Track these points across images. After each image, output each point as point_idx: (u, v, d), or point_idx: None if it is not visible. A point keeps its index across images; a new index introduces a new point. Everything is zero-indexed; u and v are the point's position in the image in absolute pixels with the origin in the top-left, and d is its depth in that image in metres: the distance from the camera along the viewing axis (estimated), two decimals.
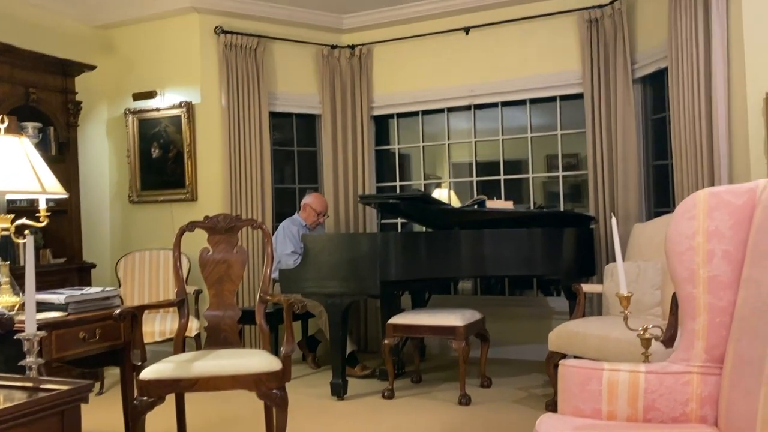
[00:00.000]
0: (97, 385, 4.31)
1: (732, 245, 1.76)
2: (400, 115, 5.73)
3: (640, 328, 2.22)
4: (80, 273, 4.67)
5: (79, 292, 2.86)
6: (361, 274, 3.92)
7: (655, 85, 4.63)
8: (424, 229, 5.13)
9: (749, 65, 3.47)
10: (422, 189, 5.63)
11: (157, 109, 5.26)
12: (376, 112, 5.65)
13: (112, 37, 5.45)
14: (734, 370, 1.66)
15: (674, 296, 2.67)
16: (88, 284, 4.66)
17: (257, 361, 2.65)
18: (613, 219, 2.31)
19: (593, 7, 4.72)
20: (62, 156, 4.66)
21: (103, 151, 5.48)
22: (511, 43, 5.15)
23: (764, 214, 1.66)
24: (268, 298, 3.03)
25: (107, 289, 3.01)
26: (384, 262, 3.89)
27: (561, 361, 1.92)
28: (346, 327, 4.14)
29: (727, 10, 3.59)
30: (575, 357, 3.36)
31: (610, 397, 1.78)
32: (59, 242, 4.65)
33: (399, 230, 5.67)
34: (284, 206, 5.62)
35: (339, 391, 4.01)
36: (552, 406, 3.58)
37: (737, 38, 3.54)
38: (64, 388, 1.54)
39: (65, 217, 4.63)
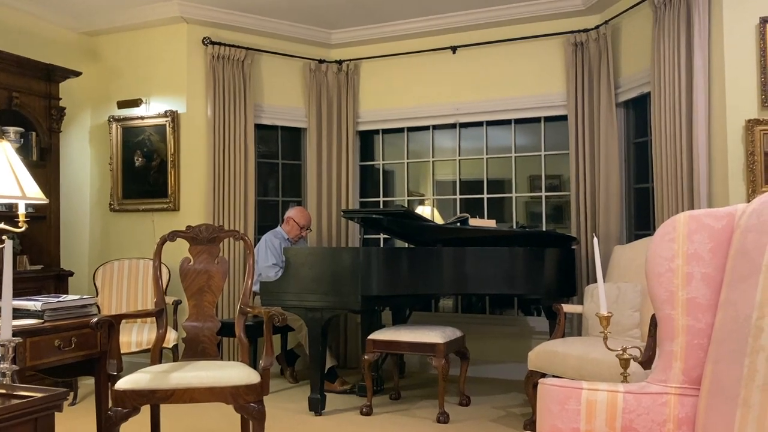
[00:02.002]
0: (71, 395, 4.23)
1: (711, 268, 1.78)
2: (385, 131, 5.76)
3: (620, 349, 2.24)
4: (57, 280, 4.60)
5: (56, 300, 2.82)
6: (342, 288, 3.91)
7: (638, 110, 4.70)
8: (406, 245, 5.14)
9: (730, 93, 3.55)
10: (405, 205, 5.65)
11: (142, 118, 5.23)
12: (362, 128, 5.67)
13: (98, 44, 5.42)
14: (711, 391, 1.68)
15: (653, 318, 2.69)
16: (65, 292, 4.59)
17: (235, 373, 2.62)
18: (595, 240, 2.33)
19: (579, 31, 4.80)
20: (43, 161, 4.61)
21: (86, 158, 5.43)
22: (497, 64, 5.21)
23: (743, 238, 1.69)
24: (248, 310, 3.01)
25: (84, 297, 2.97)
26: (365, 277, 3.88)
27: (540, 380, 1.92)
28: (326, 342, 4.12)
29: (709, 38, 3.67)
30: (554, 376, 3.37)
31: (588, 416, 1.78)
32: (37, 249, 4.58)
33: (381, 246, 5.67)
34: (267, 219, 5.60)
35: (317, 406, 3.97)
36: (530, 426, 3.58)
37: (718, 66, 3.61)
38: (38, 395, 1.51)
39: (44, 223, 4.57)
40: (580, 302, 4.32)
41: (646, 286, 1.92)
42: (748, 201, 3.34)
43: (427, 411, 4.05)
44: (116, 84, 5.36)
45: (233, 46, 5.18)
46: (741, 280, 1.64)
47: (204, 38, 5.13)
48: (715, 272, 1.77)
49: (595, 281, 3.91)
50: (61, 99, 4.70)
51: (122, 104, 5.30)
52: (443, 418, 3.81)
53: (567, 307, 3.97)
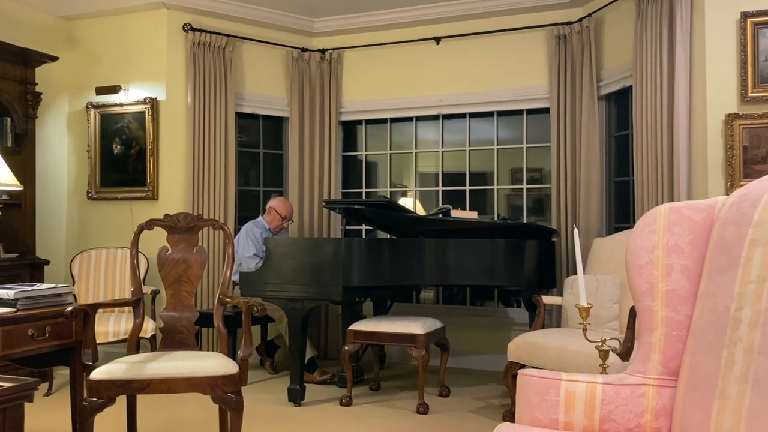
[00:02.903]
0: (46, 385, 4.17)
1: (690, 260, 1.78)
2: (368, 122, 5.73)
3: (599, 340, 2.24)
4: (32, 269, 4.52)
5: (30, 288, 2.77)
6: (323, 279, 3.88)
7: (620, 103, 4.72)
8: (388, 236, 5.12)
9: (710, 87, 3.57)
10: (388, 196, 5.63)
11: (121, 105, 5.14)
12: (345, 118, 5.63)
13: (76, 29, 5.32)
14: (689, 383, 1.68)
15: (632, 310, 2.71)
16: (41, 281, 4.51)
17: (213, 363, 2.59)
18: (575, 231, 2.33)
19: (562, 24, 4.80)
20: (19, 148, 4.52)
21: (63, 145, 5.33)
22: (481, 56, 5.20)
23: (722, 230, 1.69)
24: (227, 300, 2.98)
25: (60, 285, 2.92)
26: (347, 268, 3.86)
27: (520, 371, 1.92)
28: (306, 332, 4.10)
29: (690, 33, 3.69)
30: (534, 368, 3.38)
31: (567, 407, 1.78)
32: (12, 236, 4.49)
33: (363, 237, 5.65)
34: (248, 209, 5.55)
35: (296, 396, 3.96)
36: (509, 417, 3.60)
37: (699, 61, 3.64)
38: (7, 385, 1.48)
39: (19, 210, 4.48)
40: (560, 294, 4.34)
41: (626, 277, 1.92)
42: (727, 194, 3.38)
43: (407, 402, 4.05)
44: (94, 70, 5.26)
45: (214, 33, 5.11)
46: (720, 272, 1.65)
47: (185, 24, 5.05)
48: (694, 264, 1.78)
49: (575, 273, 3.93)
50: (37, 84, 4.61)
51: (101, 90, 5.21)
52: (423, 409, 3.81)
53: (547, 299, 3.99)
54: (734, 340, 1.52)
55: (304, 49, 5.52)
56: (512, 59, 5.11)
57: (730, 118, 3.48)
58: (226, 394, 2.55)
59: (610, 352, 2.26)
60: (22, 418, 1.50)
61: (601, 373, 2.20)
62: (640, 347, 1.86)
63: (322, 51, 5.53)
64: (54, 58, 4.70)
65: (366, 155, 5.80)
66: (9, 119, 4.48)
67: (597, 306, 3.50)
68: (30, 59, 4.53)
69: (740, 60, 3.49)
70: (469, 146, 5.43)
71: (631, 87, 4.25)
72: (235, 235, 4.90)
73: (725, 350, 1.54)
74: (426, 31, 5.32)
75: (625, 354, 2.60)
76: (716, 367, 1.55)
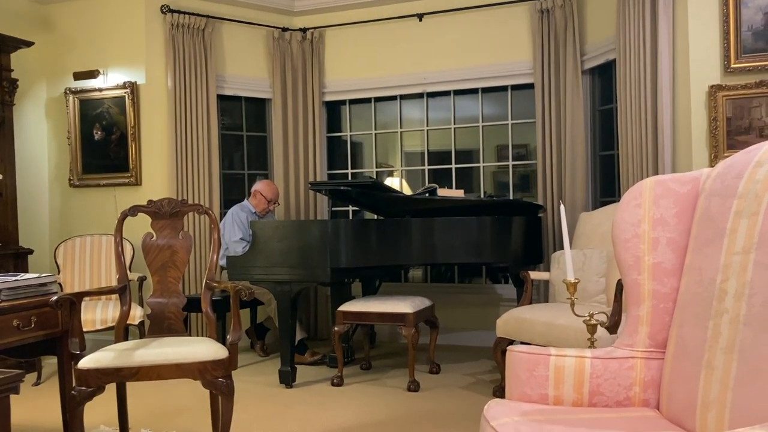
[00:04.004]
0: (35, 375, 4.15)
1: (676, 233, 1.79)
2: (352, 102, 5.68)
3: (587, 315, 2.26)
4: (16, 259, 4.47)
5: (13, 279, 2.73)
6: (311, 261, 3.87)
7: (604, 77, 4.71)
8: (375, 217, 5.11)
9: (693, 59, 3.57)
10: (374, 177, 5.61)
11: (100, 90, 5.06)
12: (328, 98, 5.58)
13: (50, 13, 5.20)
14: (676, 354, 1.70)
15: (618, 283, 2.73)
16: (25, 271, 4.47)
17: (202, 348, 2.58)
18: (562, 206, 2.33)
19: None
20: None
21: (42, 132, 5.24)
22: (464, 32, 5.16)
23: (707, 203, 1.70)
24: (214, 284, 2.96)
25: (44, 275, 2.88)
26: (334, 250, 3.85)
27: (509, 347, 1.92)
28: (296, 315, 4.10)
29: (673, 4, 3.67)
30: (522, 343, 3.41)
31: (556, 382, 1.79)
32: None
33: (350, 218, 5.64)
34: (233, 193, 5.51)
35: (287, 378, 3.97)
36: (499, 392, 3.63)
37: (682, 33, 3.62)
38: None
39: (0, 200, 4.42)
40: (547, 269, 4.36)
41: (613, 252, 1.93)
42: (711, 166, 3.39)
43: (398, 380, 4.07)
44: (71, 55, 5.16)
45: (193, 14, 5.03)
46: (705, 244, 1.65)
47: (162, 6, 4.96)
48: (680, 237, 1.79)
49: (562, 248, 3.95)
50: (13, 70, 4.51)
51: (78, 76, 5.11)
52: (414, 387, 3.84)
53: (534, 274, 4.01)
54: (720, 312, 1.53)
55: (285, 29, 5.45)
56: (495, 35, 5.07)
57: (714, 90, 3.49)
58: (217, 378, 2.54)
59: (598, 325, 2.28)
60: (9, 410, 1.48)
61: (589, 347, 2.22)
62: (627, 320, 1.87)
63: (303, 30, 5.46)
64: (29, 44, 4.60)
65: (351, 135, 5.76)
66: None
67: (584, 280, 3.52)
68: (4, 45, 4.43)
69: (723, 31, 3.48)
70: (455, 124, 5.41)
71: (614, 60, 4.24)
72: (220, 220, 4.86)
73: (711, 321, 1.55)
74: (408, 7, 5.26)
75: (612, 327, 2.61)
76: (703, 339, 1.57)
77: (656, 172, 3.72)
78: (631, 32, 3.92)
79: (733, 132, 3.46)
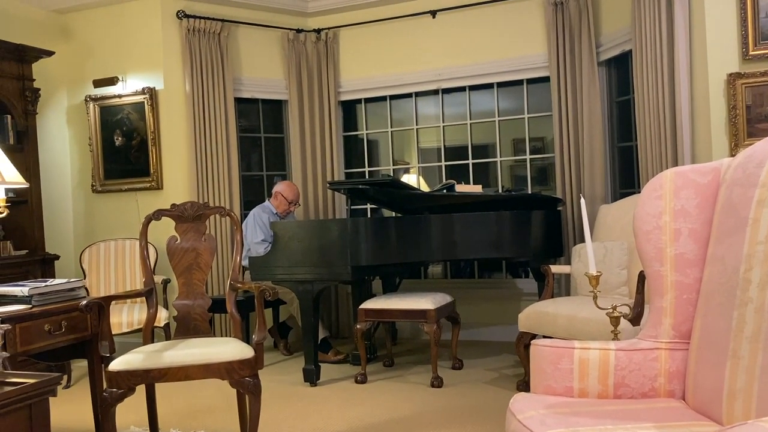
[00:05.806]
0: (65, 378, 4.23)
1: (698, 223, 1.79)
2: (367, 101, 5.70)
3: (609, 307, 2.26)
4: (43, 265, 4.56)
5: (43, 284, 2.80)
6: (331, 260, 3.90)
7: (620, 68, 4.69)
8: (393, 214, 5.13)
9: (711, 47, 3.54)
10: (391, 174, 5.62)
11: (119, 96, 5.14)
12: (344, 98, 5.61)
13: (69, 22, 5.29)
14: (701, 345, 1.70)
15: (641, 275, 2.72)
16: (52, 276, 4.55)
17: (229, 349, 2.63)
18: (582, 200, 2.33)
19: None
20: (21, 145, 4.53)
21: (64, 140, 5.34)
22: (477, 27, 5.16)
23: (728, 192, 1.70)
24: (238, 285, 3.00)
25: (72, 280, 2.95)
26: (354, 248, 3.88)
27: (533, 341, 1.94)
28: (318, 313, 4.14)
29: None
30: (545, 337, 3.41)
31: (581, 375, 1.81)
32: (20, 234, 4.53)
33: (369, 216, 5.66)
34: (252, 194, 5.56)
35: (312, 377, 4.00)
36: (523, 386, 3.64)
37: (699, 20, 3.59)
38: (31, 381, 1.50)
39: (26, 207, 4.51)
40: (568, 263, 4.36)
41: (634, 243, 1.93)
42: (731, 155, 3.37)
43: (421, 376, 4.09)
44: (91, 62, 5.25)
45: (208, 18, 5.08)
46: (728, 234, 1.65)
47: (178, 11, 5.02)
48: (702, 227, 1.79)
49: (582, 241, 3.94)
50: (35, 80, 4.60)
51: (98, 83, 5.20)
52: (437, 383, 3.85)
53: (555, 268, 4.00)
54: (745, 301, 1.53)
55: (299, 30, 5.48)
56: (509, 29, 5.06)
57: (732, 78, 3.46)
58: (244, 378, 2.58)
59: (621, 317, 2.28)
60: (48, 413, 1.53)
61: (612, 339, 2.22)
62: (651, 312, 1.87)
63: (318, 31, 5.49)
64: (50, 53, 4.69)
65: (367, 134, 5.78)
66: (9, 117, 4.48)
67: (605, 273, 3.51)
68: (26, 55, 4.52)
69: (740, 18, 3.45)
70: (470, 119, 5.41)
71: (630, 51, 4.22)
72: (241, 221, 4.92)
73: (736, 311, 1.55)
74: (421, 5, 5.27)
75: (635, 319, 2.61)
76: (727, 328, 1.57)
77: (676, 163, 3.70)
78: (646, 22, 3.89)
79: (753, 120, 3.43)
